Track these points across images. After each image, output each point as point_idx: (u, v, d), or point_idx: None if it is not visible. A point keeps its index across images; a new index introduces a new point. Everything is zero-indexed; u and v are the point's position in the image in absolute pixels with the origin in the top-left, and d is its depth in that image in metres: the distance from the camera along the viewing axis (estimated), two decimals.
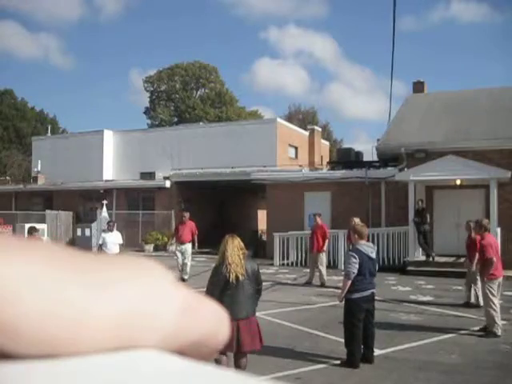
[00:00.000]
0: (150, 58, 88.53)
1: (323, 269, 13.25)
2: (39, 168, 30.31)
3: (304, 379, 5.91)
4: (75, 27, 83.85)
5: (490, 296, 7.96)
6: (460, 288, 11.40)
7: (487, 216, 15.46)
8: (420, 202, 15.85)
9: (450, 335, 7.95)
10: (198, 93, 53.42)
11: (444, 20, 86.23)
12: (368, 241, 7.23)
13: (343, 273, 6.82)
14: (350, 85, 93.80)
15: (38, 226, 20.85)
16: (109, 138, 31.50)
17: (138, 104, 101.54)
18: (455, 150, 15.91)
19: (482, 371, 6.22)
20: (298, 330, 8.27)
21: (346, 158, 22.31)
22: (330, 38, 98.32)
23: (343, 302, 6.63)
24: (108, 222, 13.22)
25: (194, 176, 24.51)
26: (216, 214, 25.84)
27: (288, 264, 17.48)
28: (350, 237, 8.17)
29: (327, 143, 39.12)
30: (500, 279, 8.23)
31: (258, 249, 20.56)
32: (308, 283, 13.32)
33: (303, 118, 54.29)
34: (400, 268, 15.64)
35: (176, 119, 51.33)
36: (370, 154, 21.90)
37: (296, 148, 31.20)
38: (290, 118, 47.07)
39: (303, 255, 17.03)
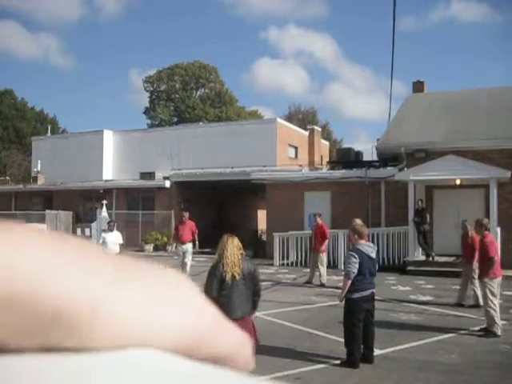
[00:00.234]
0: (150, 58, 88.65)
1: (323, 269, 13.25)
2: (39, 168, 30.32)
3: (304, 379, 5.91)
4: (75, 27, 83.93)
5: (490, 296, 7.96)
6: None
7: (487, 216, 15.47)
8: (420, 202, 15.85)
9: (450, 335, 7.95)
10: (198, 93, 53.42)
11: (444, 20, 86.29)
12: (368, 241, 7.23)
13: (343, 273, 6.83)
14: (350, 85, 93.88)
15: (37, 226, 20.95)
16: (109, 138, 31.50)
17: (138, 104, 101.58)
18: (455, 150, 15.91)
19: (482, 371, 6.22)
20: (298, 329, 8.27)
21: (345, 158, 22.31)
22: (330, 38, 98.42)
23: (343, 302, 6.64)
24: (108, 222, 13.21)
25: (194, 176, 24.51)
26: (216, 214, 25.85)
27: (288, 264, 17.48)
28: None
29: (327, 143, 39.12)
30: (500, 279, 8.24)
31: (258, 249, 20.56)
32: (308, 283, 13.33)
33: (303, 117, 54.28)
34: (400, 268, 15.64)
35: (176, 119, 51.33)
36: (369, 154, 21.92)
37: (296, 148, 31.20)
38: (289, 118, 47.06)
39: (303, 255, 17.04)
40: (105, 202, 21.86)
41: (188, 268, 13.74)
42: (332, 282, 12.76)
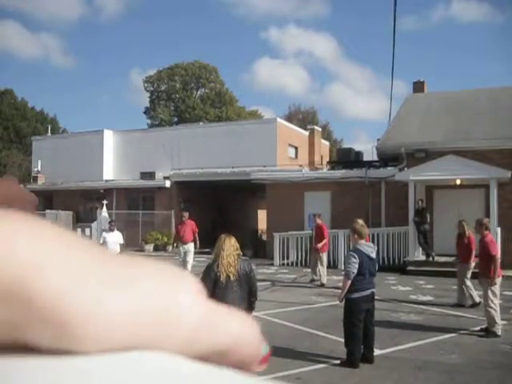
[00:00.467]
0: (150, 58, 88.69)
1: (323, 269, 13.26)
2: (39, 168, 30.34)
3: (304, 379, 5.91)
4: (75, 27, 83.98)
5: (491, 296, 7.96)
6: None
7: (487, 216, 15.49)
8: (420, 202, 15.85)
9: (450, 335, 7.95)
10: (198, 93, 53.43)
11: (444, 20, 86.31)
12: (368, 241, 7.23)
13: (343, 273, 6.83)
14: (351, 85, 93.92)
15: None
16: (109, 138, 31.50)
17: (138, 104, 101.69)
18: (455, 150, 15.91)
19: (482, 371, 6.22)
20: (297, 330, 8.27)
21: (345, 158, 22.31)
22: (331, 38, 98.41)
23: (343, 302, 6.64)
24: (109, 222, 13.21)
25: (194, 176, 24.52)
26: (216, 213, 25.85)
27: (288, 264, 17.49)
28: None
29: (327, 143, 39.12)
30: (500, 279, 8.24)
31: (258, 249, 20.57)
32: (312, 281, 13.38)
33: (303, 117, 54.30)
34: (400, 268, 15.64)
35: (176, 119, 51.34)
36: (370, 154, 21.93)
37: (296, 148, 31.20)
38: (289, 118, 47.07)
39: (303, 255, 17.04)
40: (105, 201, 21.88)
41: (189, 267, 13.75)
42: (332, 281, 12.76)
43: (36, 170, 30.67)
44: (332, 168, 22.15)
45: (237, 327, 0.28)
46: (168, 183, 24.20)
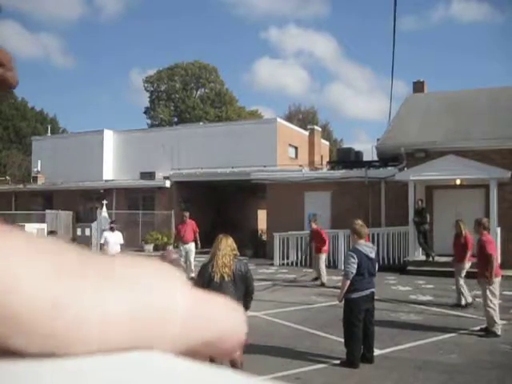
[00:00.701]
0: (150, 58, 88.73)
1: (322, 269, 13.29)
2: (39, 168, 30.34)
3: (304, 379, 5.91)
4: (75, 27, 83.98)
5: (490, 296, 7.95)
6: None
7: (487, 216, 15.47)
8: (420, 202, 15.85)
9: (450, 335, 7.95)
10: (198, 93, 53.44)
11: (444, 20, 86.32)
12: (368, 241, 7.23)
13: (342, 273, 6.85)
14: (350, 85, 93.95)
15: (38, 225, 20.96)
16: (109, 138, 31.51)
17: (138, 104, 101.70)
18: (455, 150, 15.91)
19: (482, 371, 6.22)
20: (297, 329, 8.27)
21: (345, 158, 22.31)
22: (331, 38, 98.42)
23: (343, 302, 6.65)
24: (111, 222, 13.22)
25: (194, 176, 24.52)
26: (216, 213, 25.85)
27: (288, 264, 17.49)
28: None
29: (327, 143, 39.13)
30: (499, 279, 8.23)
31: (258, 249, 20.58)
32: (316, 279, 13.41)
33: (303, 117, 54.33)
34: (400, 268, 15.65)
35: (176, 119, 51.35)
36: (370, 154, 21.94)
37: (296, 148, 31.21)
38: (289, 118, 47.09)
39: (303, 255, 17.04)
40: (105, 201, 21.86)
41: (193, 267, 13.78)
42: (332, 281, 12.76)
43: (36, 170, 30.67)
44: (332, 168, 22.15)
45: (223, 315, 0.27)
46: (168, 183, 24.20)
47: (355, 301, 6.43)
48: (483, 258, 8.17)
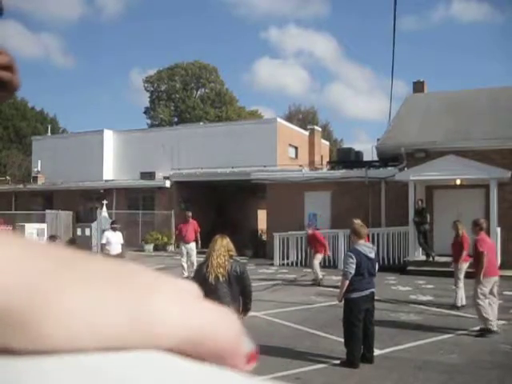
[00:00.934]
0: (150, 57, 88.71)
1: (315, 267, 13.36)
2: (39, 168, 30.34)
3: (304, 379, 5.91)
4: (76, 27, 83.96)
5: (479, 295, 7.92)
6: None
7: (487, 216, 15.47)
8: (420, 202, 15.85)
9: (450, 335, 7.94)
10: (198, 93, 53.43)
11: (444, 20, 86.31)
12: (368, 241, 7.23)
13: (342, 273, 6.86)
14: (350, 85, 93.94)
15: (37, 225, 20.95)
16: (109, 138, 31.51)
17: (138, 104, 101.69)
18: (455, 150, 15.91)
19: (482, 371, 6.22)
20: (298, 329, 8.27)
21: (346, 158, 22.31)
22: (331, 38, 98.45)
23: (343, 302, 6.66)
24: (112, 222, 13.21)
25: (194, 176, 24.52)
26: (216, 213, 25.84)
27: (288, 264, 17.48)
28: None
29: (327, 143, 39.12)
30: (495, 278, 8.16)
31: (258, 249, 20.57)
32: (320, 279, 13.44)
33: (303, 117, 54.33)
34: (400, 268, 15.65)
35: (176, 119, 51.35)
36: (370, 154, 21.94)
37: (296, 148, 31.21)
38: (289, 118, 47.09)
39: (303, 255, 17.04)
40: (105, 201, 21.85)
41: (195, 267, 13.81)
42: (332, 281, 12.77)
43: (36, 170, 30.67)
44: (332, 168, 22.15)
45: (211, 314, 0.27)
46: (168, 183, 24.20)
47: (355, 301, 6.44)
48: (477, 257, 8.19)
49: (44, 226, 21.54)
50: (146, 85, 53.99)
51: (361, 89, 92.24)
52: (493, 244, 8.48)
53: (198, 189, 24.62)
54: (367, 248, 6.64)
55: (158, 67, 56.11)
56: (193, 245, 13.90)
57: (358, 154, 23.46)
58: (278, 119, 30.80)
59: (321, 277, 13.16)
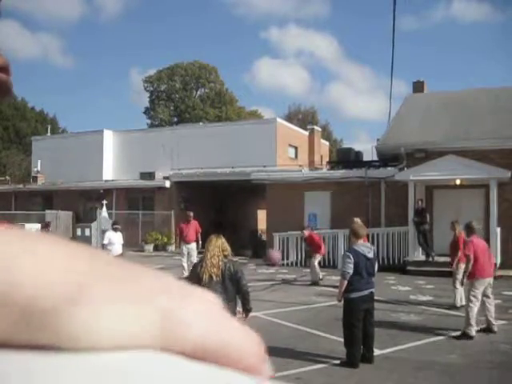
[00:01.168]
0: (150, 58, 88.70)
1: (315, 268, 13.39)
2: (39, 168, 30.32)
3: (304, 379, 5.91)
4: (75, 27, 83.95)
5: (471, 297, 7.89)
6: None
7: (487, 216, 15.50)
8: (420, 202, 15.85)
9: (450, 335, 7.94)
10: (198, 93, 53.44)
11: (444, 20, 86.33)
12: (368, 241, 7.24)
13: (340, 273, 6.88)
14: (350, 85, 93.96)
15: (37, 226, 20.93)
16: (109, 138, 31.51)
17: (138, 104, 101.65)
18: (455, 150, 15.91)
19: (481, 371, 6.22)
20: (298, 329, 8.27)
21: (345, 158, 22.30)
22: (331, 38, 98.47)
23: (342, 302, 6.67)
24: (114, 223, 13.20)
25: (194, 176, 24.51)
26: (216, 214, 25.84)
27: (288, 264, 17.48)
28: None
29: (327, 143, 39.13)
30: (487, 280, 8.08)
31: (258, 249, 20.56)
32: (320, 280, 13.46)
33: (303, 117, 54.33)
34: (400, 268, 15.65)
35: (176, 119, 51.35)
36: (369, 154, 21.94)
37: (296, 148, 31.21)
38: (289, 118, 47.10)
39: (303, 255, 17.03)
40: (105, 202, 21.86)
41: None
42: (331, 281, 12.76)
43: (36, 170, 30.65)
44: (332, 168, 22.15)
45: (237, 330, 0.27)
46: (168, 183, 24.20)
47: (354, 301, 6.45)
48: (465, 256, 8.18)
49: (38, 226, 21.51)
50: (145, 85, 54.02)
51: (361, 89, 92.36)
52: (484, 246, 8.38)
53: (197, 189, 24.62)
54: (365, 248, 6.65)
55: (158, 67, 56.23)
56: (194, 245, 13.90)
57: (358, 154, 23.45)
58: (278, 119, 30.80)
59: (320, 277, 13.16)
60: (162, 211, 24.02)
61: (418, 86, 23.61)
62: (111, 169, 31.17)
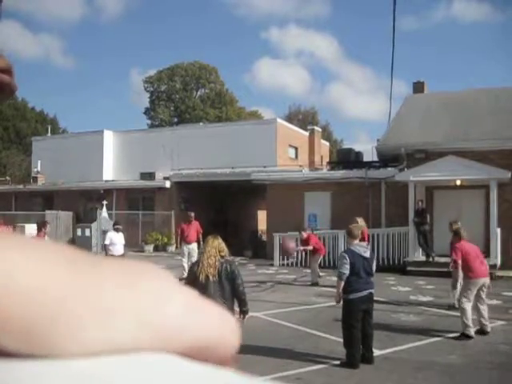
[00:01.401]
0: (150, 58, 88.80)
1: (314, 269, 13.44)
2: (39, 168, 30.31)
3: (304, 380, 5.91)
4: (76, 27, 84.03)
5: (462, 298, 7.87)
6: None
7: (487, 216, 15.52)
8: (420, 203, 15.85)
9: (450, 335, 7.94)
10: (198, 93, 53.45)
11: (444, 20, 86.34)
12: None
13: (336, 274, 6.90)
14: (351, 85, 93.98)
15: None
16: (109, 138, 31.51)
17: (138, 104, 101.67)
18: (455, 151, 15.91)
19: (481, 371, 6.22)
20: (298, 330, 8.27)
21: (346, 159, 22.30)
22: (331, 38, 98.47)
23: (341, 303, 6.68)
24: (115, 223, 13.20)
25: (194, 176, 24.52)
26: (216, 214, 25.84)
27: (288, 264, 17.48)
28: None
29: (327, 143, 39.11)
30: (482, 280, 8.02)
31: (258, 249, 20.56)
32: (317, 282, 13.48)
33: (303, 118, 54.35)
34: (400, 268, 15.64)
35: (176, 119, 51.36)
36: (370, 155, 21.94)
37: (296, 148, 31.21)
38: (290, 119, 47.10)
39: (303, 255, 17.03)
40: (105, 202, 21.86)
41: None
42: (332, 282, 12.74)
43: (36, 170, 30.64)
44: (332, 168, 22.15)
45: (217, 320, 0.27)
46: (168, 184, 24.20)
47: (353, 301, 6.46)
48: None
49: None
50: (145, 85, 54.03)
51: (361, 89, 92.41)
52: (474, 248, 8.32)
53: (197, 189, 24.62)
54: (361, 248, 6.68)
55: (158, 67, 56.24)
56: (194, 245, 13.90)
57: (358, 154, 23.44)
58: (278, 120, 30.80)
59: (316, 280, 13.17)
60: (162, 211, 24.02)
61: (418, 87, 23.61)
62: (111, 169, 31.17)
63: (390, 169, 18.53)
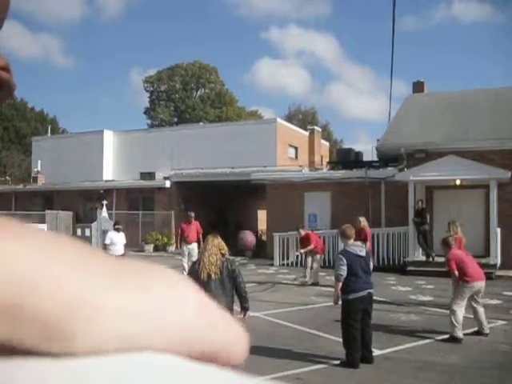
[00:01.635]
0: (150, 58, 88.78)
1: (314, 268, 13.45)
2: (39, 168, 30.33)
3: (304, 379, 5.91)
4: (76, 27, 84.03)
5: (456, 300, 7.79)
6: None
7: (487, 216, 15.52)
8: (420, 202, 15.85)
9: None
10: (198, 93, 53.44)
11: (444, 20, 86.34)
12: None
13: (334, 276, 6.90)
14: (351, 85, 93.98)
15: (37, 226, 20.92)
16: (109, 138, 31.51)
17: (138, 104, 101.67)
18: (455, 151, 15.91)
19: (481, 371, 6.22)
20: (297, 330, 8.27)
21: (346, 159, 22.29)
22: (331, 38, 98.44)
23: (341, 303, 6.69)
24: (116, 223, 13.20)
25: (194, 176, 24.52)
26: (216, 214, 25.85)
27: (288, 264, 17.48)
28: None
29: (327, 143, 39.12)
30: (478, 284, 7.88)
31: (258, 249, 20.57)
32: (314, 283, 13.46)
33: (303, 118, 54.35)
34: (400, 268, 15.65)
35: (176, 119, 51.36)
36: (370, 154, 21.93)
37: (296, 148, 31.21)
38: (290, 118, 47.12)
39: (303, 255, 17.01)
40: (105, 202, 21.85)
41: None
42: (331, 282, 12.72)
43: (36, 170, 30.66)
44: (332, 168, 22.14)
45: (228, 327, 0.27)
46: (168, 183, 24.20)
47: (352, 302, 6.46)
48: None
49: (44, 226, 21.52)
50: (145, 85, 54.04)
51: (361, 89, 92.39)
52: (466, 254, 8.24)
53: (197, 189, 24.62)
54: (356, 247, 6.69)
55: (158, 67, 56.27)
56: (195, 245, 13.89)
57: (358, 154, 23.43)
58: (278, 119, 30.81)
59: (309, 279, 13.20)
60: (162, 211, 24.03)
61: (417, 87, 23.60)
62: (111, 169, 31.17)
63: (389, 169, 18.53)
